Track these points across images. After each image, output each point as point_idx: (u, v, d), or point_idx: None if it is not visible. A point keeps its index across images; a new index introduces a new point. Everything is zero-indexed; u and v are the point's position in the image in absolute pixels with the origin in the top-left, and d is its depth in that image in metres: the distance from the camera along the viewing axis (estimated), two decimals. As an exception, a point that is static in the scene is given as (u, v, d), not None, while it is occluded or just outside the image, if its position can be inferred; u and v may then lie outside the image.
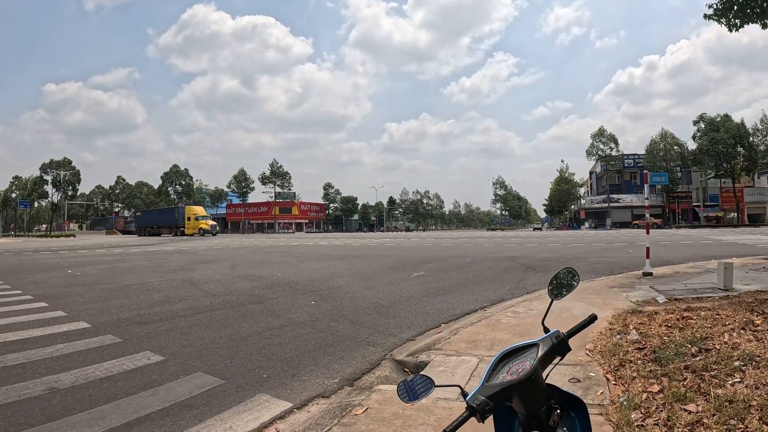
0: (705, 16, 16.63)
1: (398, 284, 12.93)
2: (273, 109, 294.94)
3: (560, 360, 1.54)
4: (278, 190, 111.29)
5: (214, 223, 79.51)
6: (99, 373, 5.49)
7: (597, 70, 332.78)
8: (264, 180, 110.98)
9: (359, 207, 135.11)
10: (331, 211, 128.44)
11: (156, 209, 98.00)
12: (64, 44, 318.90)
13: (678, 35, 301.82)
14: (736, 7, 16.02)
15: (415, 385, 1.60)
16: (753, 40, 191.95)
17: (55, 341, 6.90)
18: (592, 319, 1.73)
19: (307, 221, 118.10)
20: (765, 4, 15.56)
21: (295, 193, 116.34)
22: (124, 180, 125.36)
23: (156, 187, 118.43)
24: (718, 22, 16.41)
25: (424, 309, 9.50)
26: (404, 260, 20.36)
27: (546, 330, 1.63)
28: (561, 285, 1.89)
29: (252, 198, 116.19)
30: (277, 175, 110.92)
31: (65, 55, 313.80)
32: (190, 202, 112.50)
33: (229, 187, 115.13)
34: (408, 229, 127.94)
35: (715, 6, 16.33)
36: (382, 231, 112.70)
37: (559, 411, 1.48)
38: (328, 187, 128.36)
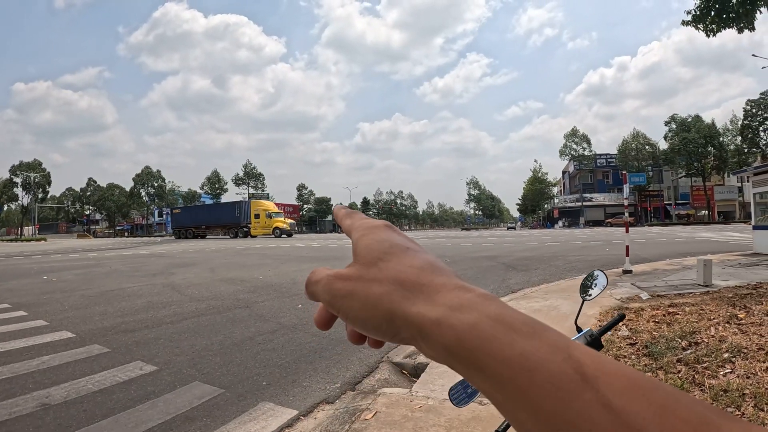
0: (683, 22, 16.99)
1: (383, 285, 12.80)
2: (245, 109, 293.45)
3: None
4: (252, 191, 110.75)
5: (293, 221, 70.04)
6: (91, 386, 5.30)
7: (569, 70, 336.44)
8: (237, 181, 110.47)
9: (333, 208, 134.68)
10: (305, 212, 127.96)
11: (203, 205, 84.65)
12: (34, 42, 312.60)
13: (649, 37, 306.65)
14: (713, 13, 16.37)
15: (460, 390, 1.58)
16: (723, 42, 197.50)
17: (40, 353, 6.68)
18: (621, 317, 1.74)
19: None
20: (741, 10, 15.94)
21: (268, 194, 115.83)
22: (95, 182, 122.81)
23: (128, 189, 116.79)
24: (696, 27, 16.81)
25: (413, 309, 9.42)
26: (385, 260, 20.18)
27: (579, 329, 1.64)
28: (589, 286, 1.87)
29: (225, 199, 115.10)
30: (250, 176, 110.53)
31: (34, 53, 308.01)
32: (162, 204, 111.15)
33: (202, 188, 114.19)
34: None
35: (693, 12, 16.68)
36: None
37: None
38: (301, 188, 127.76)
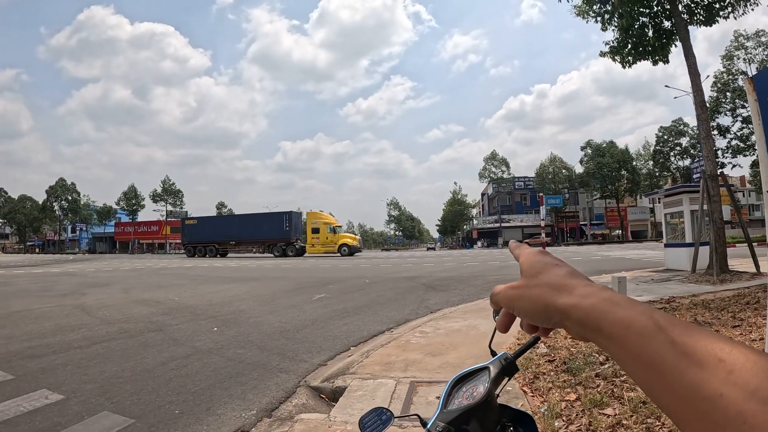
0: (601, 53, 17.99)
1: (301, 307, 12.78)
2: (166, 122, 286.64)
3: (509, 380, 1.55)
4: (170, 208, 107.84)
5: (358, 237, 60.87)
6: (-8, 416, 5.03)
7: (490, 96, 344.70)
8: (155, 197, 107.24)
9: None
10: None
11: (233, 215, 69.28)
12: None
13: (569, 66, 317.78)
14: (630, 46, 17.25)
15: (373, 419, 1.57)
16: (638, 73, 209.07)
17: (-64, 381, 6.30)
18: (536, 339, 1.77)
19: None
20: (656, 44, 16.87)
21: (187, 211, 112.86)
22: (6, 193, 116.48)
23: (40, 201, 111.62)
24: (613, 59, 17.70)
25: (332, 332, 9.41)
26: (303, 282, 20.19)
27: (493, 353, 1.65)
28: None
29: (142, 216, 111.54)
30: (169, 192, 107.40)
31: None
32: (76, 219, 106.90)
33: (118, 204, 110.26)
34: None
35: (611, 44, 17.52)
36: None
37: (512, 428, 1.50)
38: (221, 206, 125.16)
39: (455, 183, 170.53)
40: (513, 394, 4.84)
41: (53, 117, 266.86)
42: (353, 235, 58.32)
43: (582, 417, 4.12)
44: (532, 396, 4.86)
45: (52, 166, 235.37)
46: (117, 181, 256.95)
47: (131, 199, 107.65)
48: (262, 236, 57.14)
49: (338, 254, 53.11)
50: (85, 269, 32.34)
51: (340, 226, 58.51)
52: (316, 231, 55.57)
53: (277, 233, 55.96)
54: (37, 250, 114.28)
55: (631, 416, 3.97)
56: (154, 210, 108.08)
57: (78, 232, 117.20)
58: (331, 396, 5.74)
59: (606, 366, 5.38)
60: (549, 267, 0.67)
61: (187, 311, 12.26)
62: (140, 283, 20.98)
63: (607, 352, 0.55)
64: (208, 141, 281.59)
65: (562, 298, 0.60)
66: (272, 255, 55.72)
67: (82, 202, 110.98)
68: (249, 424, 4.88)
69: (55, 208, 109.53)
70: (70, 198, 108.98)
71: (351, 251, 53.57)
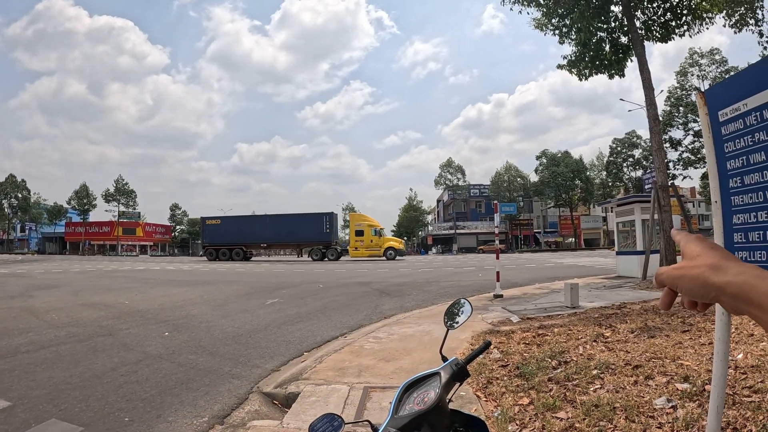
0: (558, 66, 18.34)
1: (254, 312, 12.67)
2: (121, 120, 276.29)
3: (460, 386, 1.58)
4: (122, 209, 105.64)
5: (403, 240, 57.88)
6: (-66, 424, 4.88)
7: (449, 104, 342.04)
8: (108, 197, 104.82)
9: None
10: (177, 234, 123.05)
11: (264, 216, 57.73)
12: None
13: (527, 77, 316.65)
14: (587, 59, 17.65)
15: (324, 425, 1.57)
16: (594, 86, 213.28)
17: None
18: (487, 344, 1.79)
19: (151, 244, 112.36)
20: (613, 58, 17.32)
21: (140, 213, 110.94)
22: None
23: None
24: (570, 72, 18.06)
25: (285, 337, 9.36)
26: (256, 286, 20.00)
27: (444, 358, 1.66)
28: (454, 314, 1.92)
29: (94, 216, 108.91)
30: (122, 192, 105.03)
31: None
32: (26, 218, 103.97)
33: (69, 203, 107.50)
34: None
35: (569, 57, 17.89)
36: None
37: None
38: (174, 207, 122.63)
39: (411, 189, 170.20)
40: (467, 399, 4.90)
41: (5, 110, 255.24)
42: (399, 239, 55.90)
43: (535, 421, 4.19)
44: (486, 401, 4.91)
45: (2, 162, 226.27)
46: (69, 179, 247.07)
47: (83, 198, 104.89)
48: (299, 239, 52.99)
49: (383, 258, 50.65)
50: (33, 270, 31.63)
51: (383, 229, 55.53)
52: (360, 233, 52.53)
53: (318, 236, 51.83)
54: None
55: (584, 419, 4.06)
56: (106, 210, 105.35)
57: (27, 232, 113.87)
58: (284, 402, 5.70)
59: (559, 370, 5.47)
60: (706, 250, 0.79)
61: (137, 315, 12.05)
62: (90, 285, 20.56)
63: (758, 321, 0.70)
64: (164, 141, 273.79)
65: (718, 276, 0.73)
66: (310, 259, 52.16)
67: (32, 200, 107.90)
68: (200, 432, 4.83)
69: (4, 205, 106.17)
70: (20, 195, 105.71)
71: (396, 254, 51.33)
